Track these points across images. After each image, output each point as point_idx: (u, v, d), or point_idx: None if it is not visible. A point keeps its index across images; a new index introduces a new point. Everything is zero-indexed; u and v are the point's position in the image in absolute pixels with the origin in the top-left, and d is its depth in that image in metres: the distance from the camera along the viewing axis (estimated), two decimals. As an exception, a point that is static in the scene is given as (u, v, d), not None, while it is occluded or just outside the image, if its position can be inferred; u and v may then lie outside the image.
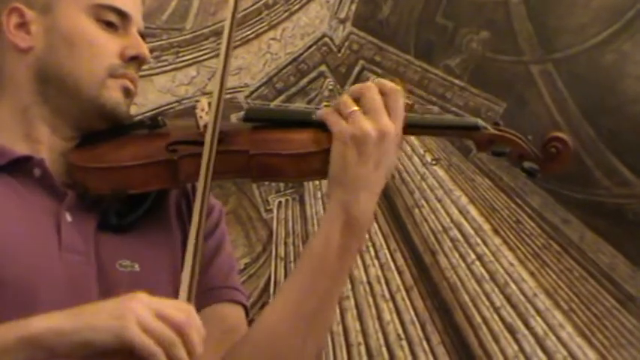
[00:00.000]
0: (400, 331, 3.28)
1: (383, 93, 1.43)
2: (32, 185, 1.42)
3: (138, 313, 1.23)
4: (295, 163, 1.45)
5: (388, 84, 1.44)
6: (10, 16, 1.50)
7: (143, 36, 1.54)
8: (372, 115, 1.41)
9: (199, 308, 1.45)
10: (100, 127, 1.49)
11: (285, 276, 3.47)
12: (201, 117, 1.46)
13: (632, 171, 3.15)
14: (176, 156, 1.43)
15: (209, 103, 1.47)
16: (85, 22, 1.48)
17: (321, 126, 1.46)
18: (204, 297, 1.48)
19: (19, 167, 1.43)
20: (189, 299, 1.32)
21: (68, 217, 1.41)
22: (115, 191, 1.42)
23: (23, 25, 1.49)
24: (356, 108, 1.41)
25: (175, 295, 1.43)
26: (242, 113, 1.50)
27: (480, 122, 1.48)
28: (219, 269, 1.53)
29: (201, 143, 1.42)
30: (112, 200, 1.43)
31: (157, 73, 3.71)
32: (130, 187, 1.43)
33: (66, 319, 1.25)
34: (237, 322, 1.52)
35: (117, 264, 1.42)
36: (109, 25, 1.50)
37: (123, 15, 1.51)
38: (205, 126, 1.44)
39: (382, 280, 3.36)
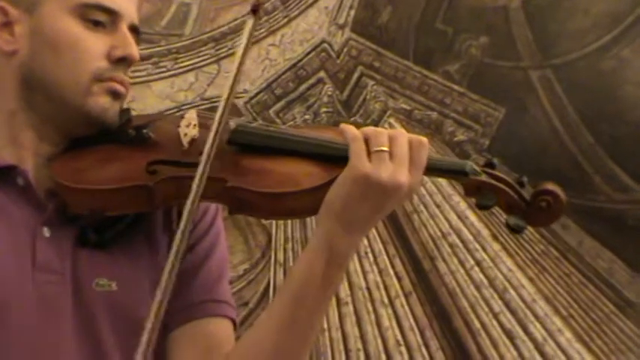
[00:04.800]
0: (399, 336, 3.28)
1: (411, 144, 1.35)
2: (15, 194, 1.39)
3: None
4: (269, 202, 1.36)
5: (417, 137, 1.37)
6: None
7: (137, 29, 1.48)
8: (397, 163, 1.33)
9: (185, 322, 1.44)
10: (88, 133, 1.44)
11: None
12: (186, 134, 1.41)
13: (631, 177, 3.15)
14: (153, 182, 1.37)
15: (198, 116, 1.42)
16: (69, 23, 1.42)
17: (315, 157, 1.38)
18: (189, 310, 1.45)
19: (2, 175, 1.40)
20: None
21: (46, 233, 1.38)
22: (93, 212, 1.39)
23: (7, 25, 1.43)
24: (386, 148, 1.33)
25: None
26: (226, 135, 1.40)
27: (469, 167, 1.38)
28: (206, 278, 1.48)
29: (183, 164, 1.38)
30: (90, 218, 1.40)
31: (156, 79, 3.71)
32: (107, 210, 1.39)
33: None
34: (224, 339, 1.46)
35: (93, 283, 1.38)
36: (97, 24, 1.43)
37: (111, 12, 1.44)
38: (191, 142, 1.40)
39: (381, 286, 3.36)
